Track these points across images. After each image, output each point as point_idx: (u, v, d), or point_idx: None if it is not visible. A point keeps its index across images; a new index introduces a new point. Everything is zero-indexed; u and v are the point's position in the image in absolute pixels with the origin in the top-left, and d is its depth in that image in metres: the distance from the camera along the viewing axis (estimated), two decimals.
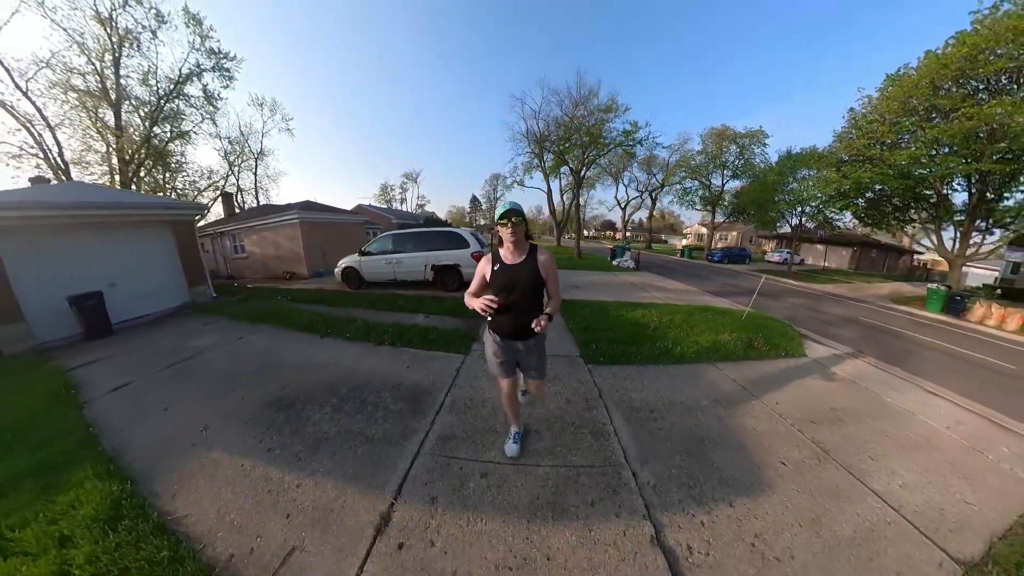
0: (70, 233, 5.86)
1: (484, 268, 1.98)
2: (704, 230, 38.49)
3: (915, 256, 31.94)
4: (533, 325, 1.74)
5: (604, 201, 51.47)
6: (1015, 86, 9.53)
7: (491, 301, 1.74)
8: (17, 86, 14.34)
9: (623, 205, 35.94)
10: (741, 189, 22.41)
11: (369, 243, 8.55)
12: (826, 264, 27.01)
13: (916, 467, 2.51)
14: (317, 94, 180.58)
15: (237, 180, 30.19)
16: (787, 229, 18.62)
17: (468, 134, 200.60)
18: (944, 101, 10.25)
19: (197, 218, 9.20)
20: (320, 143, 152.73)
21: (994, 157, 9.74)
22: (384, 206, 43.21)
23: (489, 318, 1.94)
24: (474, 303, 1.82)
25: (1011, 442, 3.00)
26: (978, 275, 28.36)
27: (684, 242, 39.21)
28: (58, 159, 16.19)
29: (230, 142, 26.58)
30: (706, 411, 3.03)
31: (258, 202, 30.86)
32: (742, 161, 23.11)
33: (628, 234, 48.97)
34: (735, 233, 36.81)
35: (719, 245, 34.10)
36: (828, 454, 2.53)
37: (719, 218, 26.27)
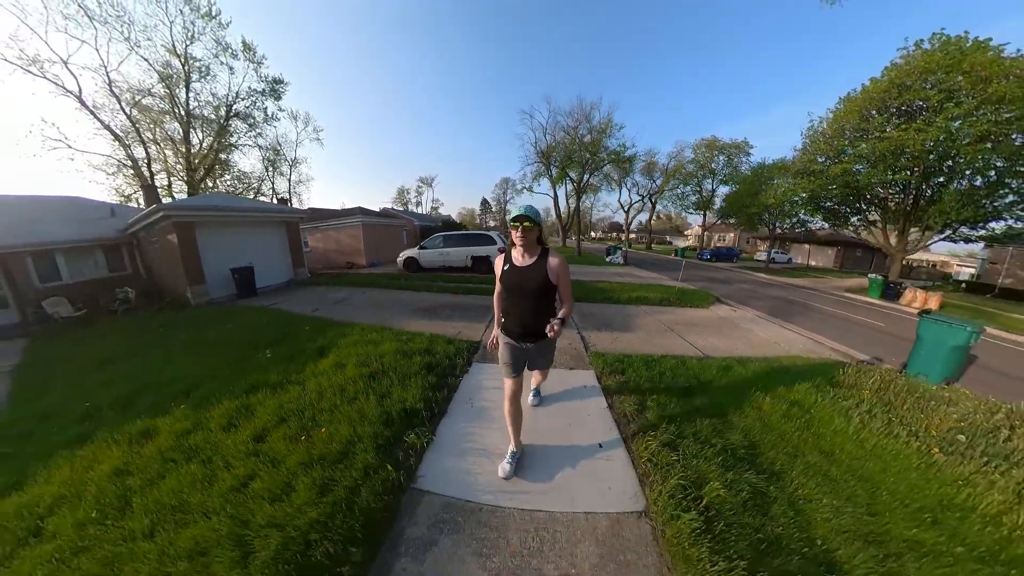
0: (230, 227, 8.91)
1: (497, 267, 2.04)
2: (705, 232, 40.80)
3: (905, 255, 33.96)
4: (547, 330, 1.75)
5: (609, 204, 53.95)
6: (922, 114, 11.93)
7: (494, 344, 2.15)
8: (125, 113, 17.80)
9: (626, 208, 38.46)
10: (727, 195, 24.83)
11: (425, 241, 12.14)
12: (811, 263, 29.15)
13: (724, 341, 5.18)
14: (325, 98, 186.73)
15: (272, 184, 33.68)
16: (771, 230, 20.99)
17: (479, 137, 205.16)
18: (870, 125, 12.76)
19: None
20: (332, 147, 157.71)
21: (907, 172, 12.21)
22: (401, 208, 46.52)
23: (502, 319, 2.07)
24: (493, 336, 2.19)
25: (809, 344, 5.57)
26: (967, 272, 30.42)
27: (686, 243, 41.49)
28: (145, 170, 19.61)
29: (274, 152, 29.87)
30: (617, 316, 5.94)
31: (290, 205, 34.26)
32: (729, 169, 25.66)
33: (632, 235, 51.36)
34: (732, 234, 38.99)
35: (719, 245, 36.43)
36: (672, 330, 5.31)
37: (711, 220, 28.72)
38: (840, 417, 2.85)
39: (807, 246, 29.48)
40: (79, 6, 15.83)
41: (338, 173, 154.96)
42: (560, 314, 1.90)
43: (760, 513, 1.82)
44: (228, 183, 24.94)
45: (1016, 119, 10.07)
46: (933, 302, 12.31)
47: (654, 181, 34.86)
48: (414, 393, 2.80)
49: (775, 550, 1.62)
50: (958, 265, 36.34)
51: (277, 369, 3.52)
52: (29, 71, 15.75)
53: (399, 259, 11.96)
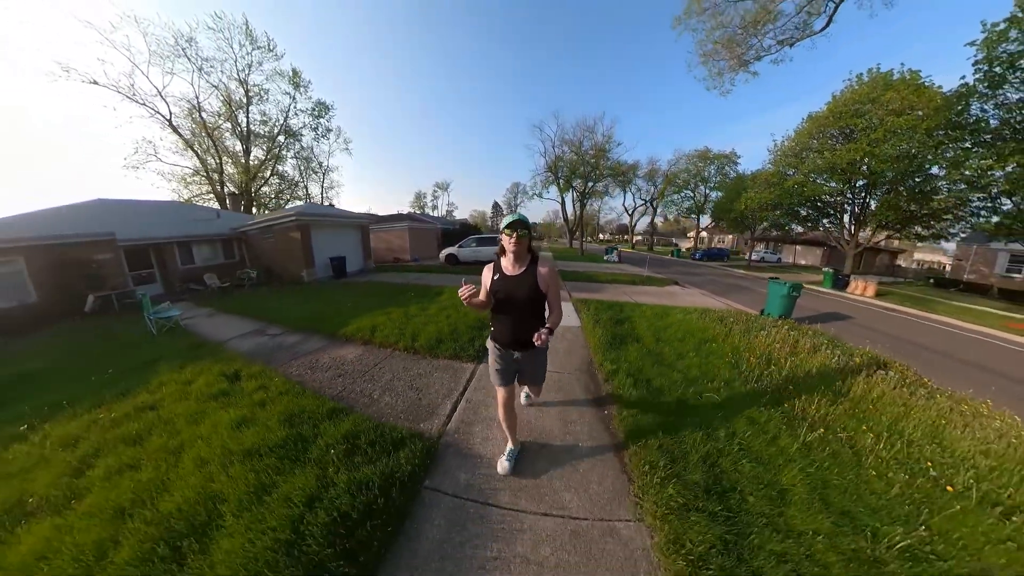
0: (328, 227, 12.73)
1: (486, 277, 2.09)
2: (704, 234, 43.93)
3: (897, 254, 36.98)
4: (535, 339, 1.80)
5: (614, 208, 57.44)
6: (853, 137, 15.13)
7: (467, 290, 1.88)
8: (208, 133, 22.00)
9: (630, 212, 41.87)
10: (715, 201, 28.14)
11: (462, 241, 15.99)
12: (801, 261, 32.07)
13: (657, 300, 8.75)
14: (335, 103, 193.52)
15: (306, 189, 37.87)
16: (752, 233, 24.19)
17: (487, 140, 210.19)
18: (818, 144, 16.05)
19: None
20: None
21: (843, 183, 15.49)
22: (419, 211, 50.48)
23: (491, 327, 2.18)
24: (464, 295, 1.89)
25: (718, 304, 9.06)
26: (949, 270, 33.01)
27: (688, 245, 44.56)
28: (218, 179, 23.77)
29: (317, 162, 33.89)
30: (594, 287, 9.59)
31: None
32: (719, 177, 29.00)
33: (638, 237, 54.56)
34: (730, 236, 41.96)
35: (717, 246, 39.51)
36: (627, 295, 8.94)
37: (706, 224, 31.97)
38: (683, 316, 6.36)
39: (797, 247, 32.42)
40: (180, 50, 20.11)
41: (351, 176, 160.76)
42: (548, 323, 1.98)
43: (620, 327, 5.39)
44: (274, 189, 29.18)
45: (919, 146, 13.24)
46: (870, 290, 15.49)
47: (656, 186, 38.20)
48: None
49: (623, 333, 5.18)
50: (949, 265, 39.67)
51: (419, 301, 7.18)
52: (133, 99, 20.10)
53: (442, 255, 15.72)
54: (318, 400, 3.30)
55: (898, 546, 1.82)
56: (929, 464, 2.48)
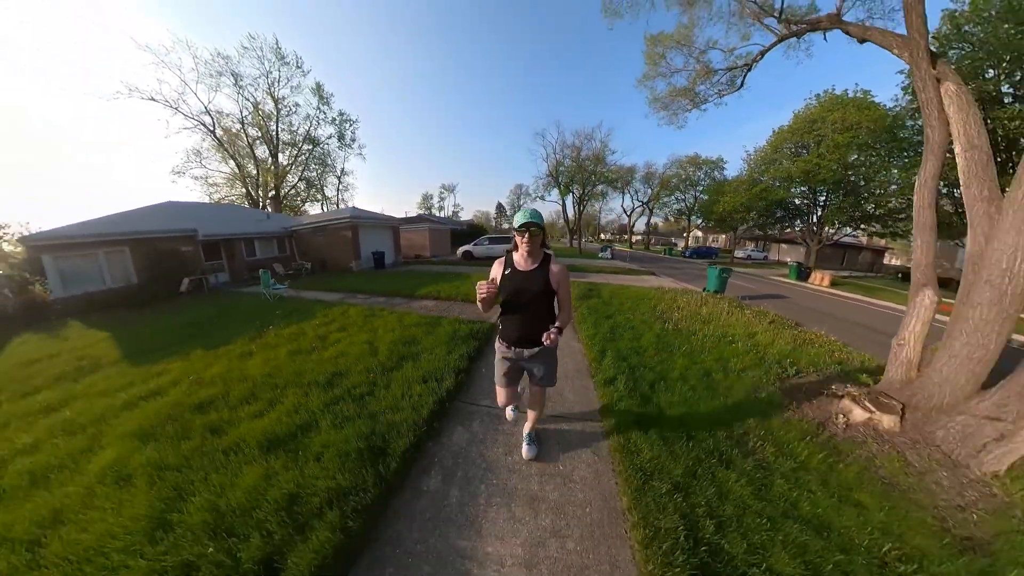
0: (370, 228, 16.04)
1: (496, 271, 2.11)
2: (699, 233, 47.25)
3: (881, 252, 39.82)
4: (544, 339, 1.87)
5: (613, 208, 60.67)
6: (806, 151, 18.39)
7: (489, 286, 1.91)
8: (247, 143, 25.41)
9: (628, 213, 45.11)
10: (701, 203, 31.44)
11: (476, 240, 19.12)
12: (783, 259, 35.21)
13: (629, 283, 12.00)
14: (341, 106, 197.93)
15: (322, 190, 41.23)
16: (735, 232, 27.41)
17: (490, 140, 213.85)
18: (782, 155, 19.30)
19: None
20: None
21: (801, 189, 18.73)
22: (426, 212, 53.80)
23: (500, 325, 2.22)
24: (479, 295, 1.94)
25: (675, 284, 12.34)
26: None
27: (682, 245, 47.73)
28: (254, 184, 27.13)
29: (326, 165, 37.18)
30: (584, 274, 12.98)
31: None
32: (708, 181, 32.35)
33: (637, 238, 57.85)
34: (724, 236, 45.13)
35: (710, 245, 42.72)
36: (605, 280, 12.17)
37: (695, 224, 35.24)
38: (638, 289, 9.63)
39: (782, 245, 35.53)
40: (227, 70, 23.58)
41: (360, 178, 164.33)
42: (558, 322, 2.04)
43: (590, 292, 8.69)
44: (296, 191, 32.55)
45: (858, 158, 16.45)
46: (826, 280, 18.55)
47: (652, 189, 41.47)
48: None
49: (591, 295, 8.47)
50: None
51: (457, 280, 10.50)
52: (179, 111, 23.53)
53: (459, 252, 19.08)
54: (431, 315, 6.57)
55: (682, 350, 5.07)
56: (729, 337, 5.73)
